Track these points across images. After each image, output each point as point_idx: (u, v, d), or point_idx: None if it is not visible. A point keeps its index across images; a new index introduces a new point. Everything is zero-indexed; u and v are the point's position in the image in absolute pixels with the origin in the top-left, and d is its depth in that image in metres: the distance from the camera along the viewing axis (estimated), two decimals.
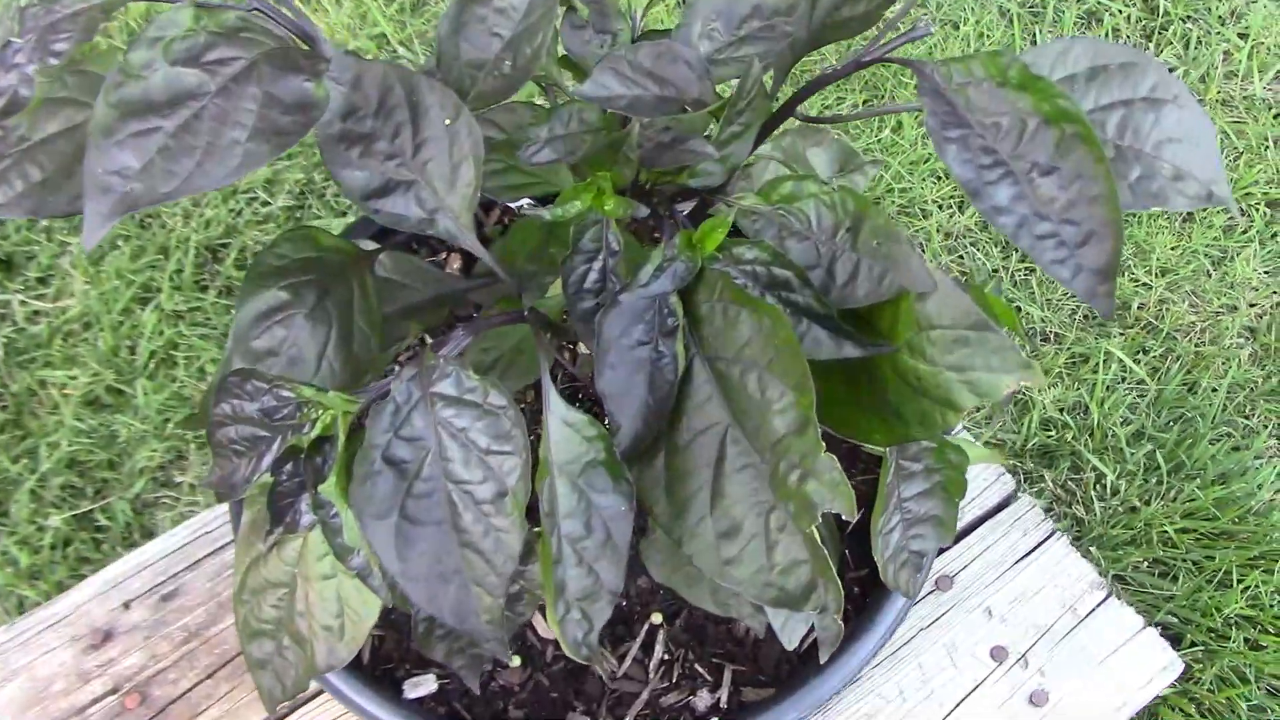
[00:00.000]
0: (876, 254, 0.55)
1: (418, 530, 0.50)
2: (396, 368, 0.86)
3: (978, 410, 1.74)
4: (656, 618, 0.95)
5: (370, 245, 0.70)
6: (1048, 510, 1.70)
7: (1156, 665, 1.13)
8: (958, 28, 2.09)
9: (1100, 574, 1.13)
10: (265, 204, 1.85)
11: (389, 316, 0.65)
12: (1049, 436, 1.75)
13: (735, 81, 0.60)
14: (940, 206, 1.92)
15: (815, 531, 0.51)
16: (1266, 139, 2.03)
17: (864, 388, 0.58)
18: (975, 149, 0.51)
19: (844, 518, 0.50)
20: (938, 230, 1.90)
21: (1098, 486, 1.71)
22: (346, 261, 0.61)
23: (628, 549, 0.55)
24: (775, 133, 0.66)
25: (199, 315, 1.77)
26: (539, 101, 0.72)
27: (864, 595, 0.85)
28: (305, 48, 0.56)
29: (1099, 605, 1.15)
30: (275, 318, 0.58)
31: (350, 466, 0.50)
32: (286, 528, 0.52)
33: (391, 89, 0.57)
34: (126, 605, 1.11)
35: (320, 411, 0.51)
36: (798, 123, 0.72)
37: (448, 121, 0.56)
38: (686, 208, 0.65)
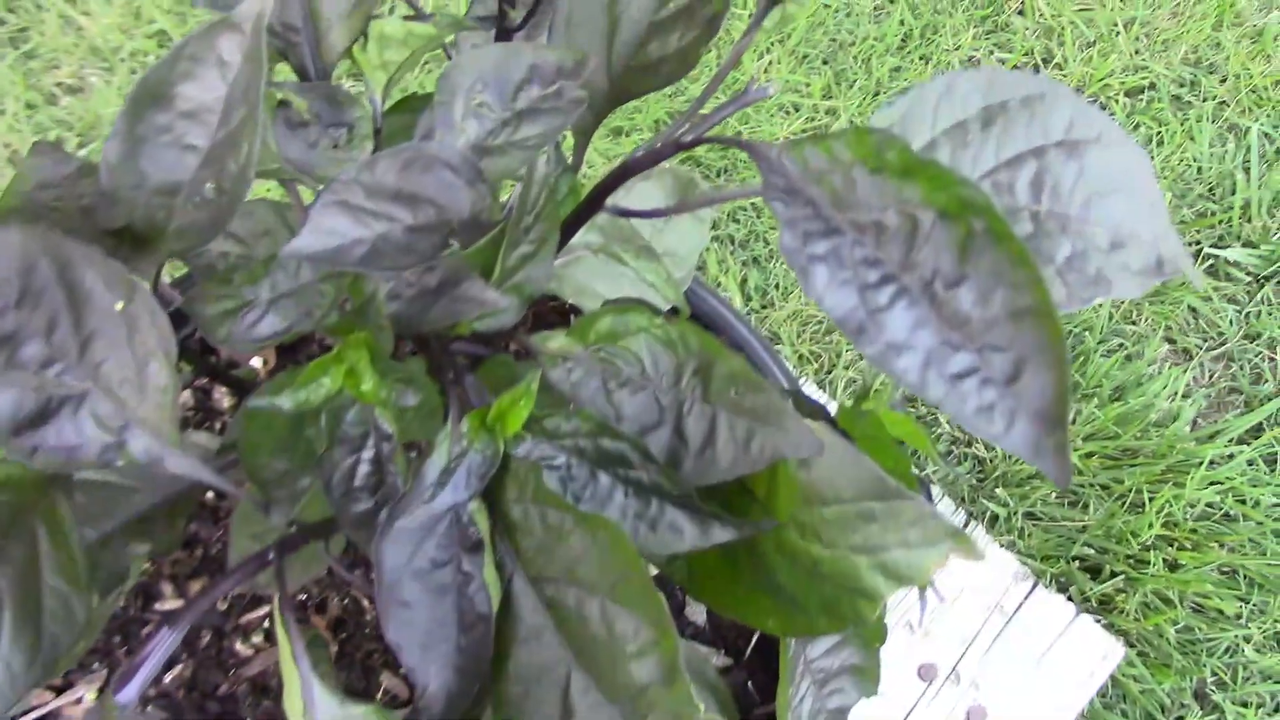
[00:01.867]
0: (739, 408, 0.40)
1: None
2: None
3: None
4: None
5: None
6: (946, 454, 1.60)
7: (1096, 655, 1.03)
8: None
9: (1024, 562, 1.02)
10: None
11: (106, 540, 0.48)
12: None
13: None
14: None
15: None
16: (1116, 24, 1.92)
17: (744, 565, 0.44)
18: (853, 263, 0.37)
19: None
20: None
21: None
22: (24, 499, 0.44)
23: None
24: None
25: None
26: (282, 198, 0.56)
27: None
28: None
29: (1026, 598, 1.05)
30: None
31: None
32: None
33: (35, 267, 0.39)
34: None
35: None
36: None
37: (119, 305, 0.39)
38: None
